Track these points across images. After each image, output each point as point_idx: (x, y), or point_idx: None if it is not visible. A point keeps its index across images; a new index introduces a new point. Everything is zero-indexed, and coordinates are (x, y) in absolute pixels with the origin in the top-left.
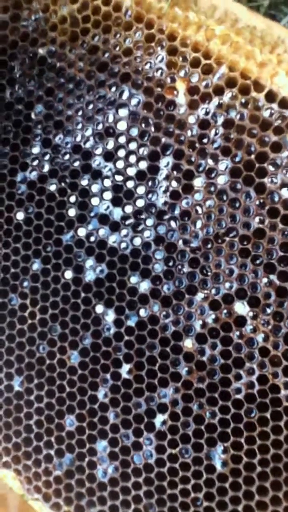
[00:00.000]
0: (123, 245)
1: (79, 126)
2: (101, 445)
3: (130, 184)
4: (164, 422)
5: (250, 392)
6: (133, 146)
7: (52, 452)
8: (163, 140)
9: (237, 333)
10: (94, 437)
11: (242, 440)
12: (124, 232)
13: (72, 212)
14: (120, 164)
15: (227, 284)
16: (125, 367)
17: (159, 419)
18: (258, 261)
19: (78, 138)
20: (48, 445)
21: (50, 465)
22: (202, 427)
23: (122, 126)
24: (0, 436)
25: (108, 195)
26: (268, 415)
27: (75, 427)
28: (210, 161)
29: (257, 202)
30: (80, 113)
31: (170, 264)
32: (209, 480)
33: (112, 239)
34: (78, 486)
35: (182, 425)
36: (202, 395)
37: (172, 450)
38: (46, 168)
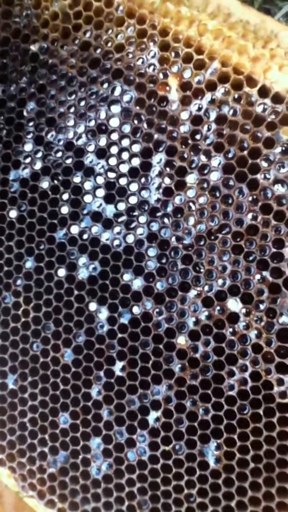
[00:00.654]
0: (116, 242)
1: (72, 123)
2: (95, 443)
3: (122, 181)
4: (157, 419)
5: (243, 388)
6: (125, 143)
7: (46, 449)
8: (155, 136)
9: (230, 329)
10: (88, 435)
11: (235, 437)
12: (117, 229)
13: (64, 210)
14: (112, 161)
15: (220, 281)
16: (119, 365)
17: (152, 416)
18: (251, 258)
19: (71, 135)
20: (42, 442)
21: (44, 463)
22: (195, 424)
23: (114, 122)
24: None
25: (100, 192)
26: (261, 411)
27: (69, 425)
28: (203, 158)
29: (250, 199)
30: (72, 110)
31: (163, 261)
32: (202, 477)
33: (105, 237)
34: (72, 483)
35: (175, 422)
36: (195, 392)
37: (165, 447)
38: (39, 165)
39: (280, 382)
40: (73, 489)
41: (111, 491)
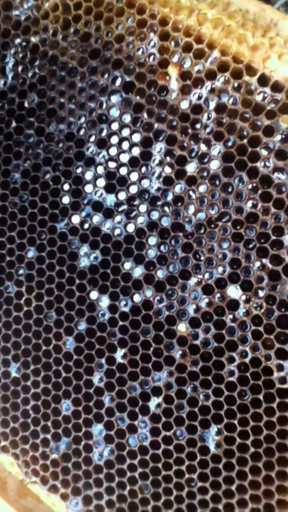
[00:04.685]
0: (117, 231)
1: (72, 113)
2: (97, 429)
3: (123, 170)
4: (158, 405)
5: (243, 374)
6: (125, 132)
7: (49, 436)
8: (155, 126)
9: (230, 316)
10: (90, 421)
11: (236, 422)
12: (117, 218)
13: (66, 200)
14: (113, 151)
15: (220, 269)
16: (120, 352)
17: (153, 402)
18: (251, 245)
19: (71, 126)
20: (45, 429)
21: (47, 449)
22: (196, 410)
23: (114, 112)
24: None
25: (101, 182)
26: (261, 397)
27: (71, 412)
28: (203, 146)
29: (250, 187)
30: (72, 100)
31: (164, 249)
32: (203, 461)
33: (106, 226)
34: (75, 469)
35: (176, 408)
36: (195, 378)
37: (166, 432)
38: (40, 156)
39: (280, 367)
40: (75, 474)
41: (113, 476)
